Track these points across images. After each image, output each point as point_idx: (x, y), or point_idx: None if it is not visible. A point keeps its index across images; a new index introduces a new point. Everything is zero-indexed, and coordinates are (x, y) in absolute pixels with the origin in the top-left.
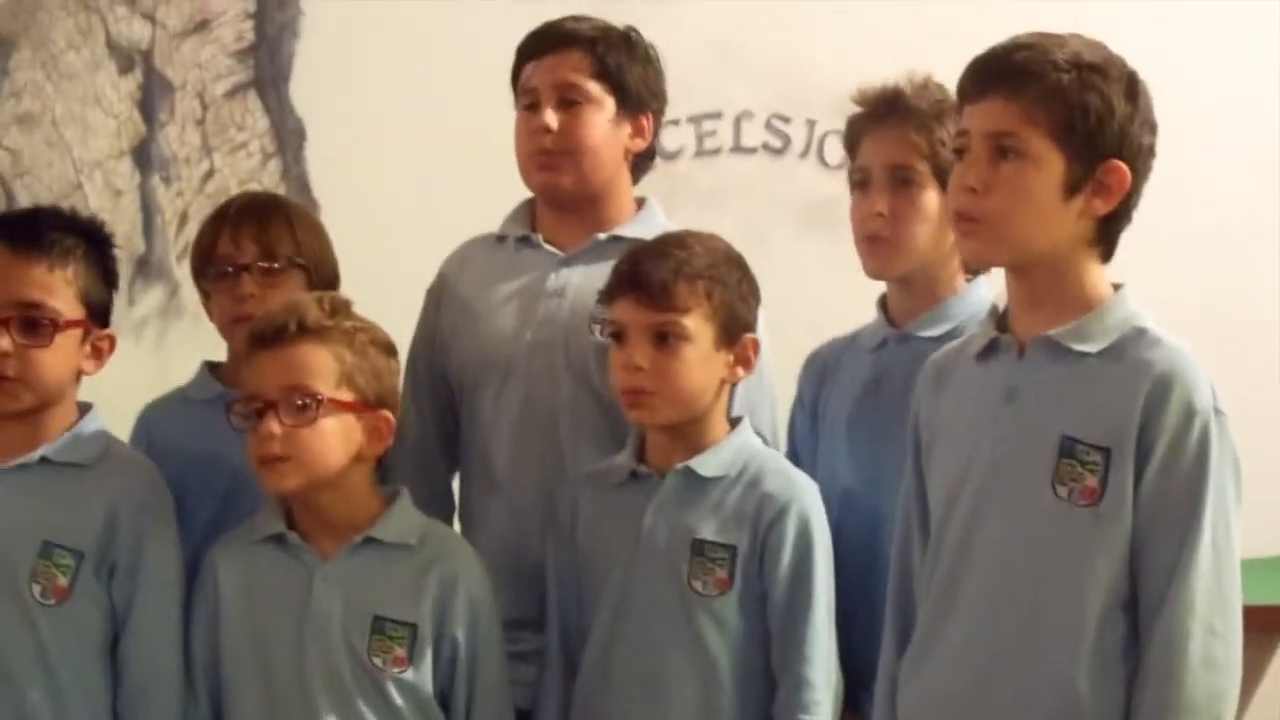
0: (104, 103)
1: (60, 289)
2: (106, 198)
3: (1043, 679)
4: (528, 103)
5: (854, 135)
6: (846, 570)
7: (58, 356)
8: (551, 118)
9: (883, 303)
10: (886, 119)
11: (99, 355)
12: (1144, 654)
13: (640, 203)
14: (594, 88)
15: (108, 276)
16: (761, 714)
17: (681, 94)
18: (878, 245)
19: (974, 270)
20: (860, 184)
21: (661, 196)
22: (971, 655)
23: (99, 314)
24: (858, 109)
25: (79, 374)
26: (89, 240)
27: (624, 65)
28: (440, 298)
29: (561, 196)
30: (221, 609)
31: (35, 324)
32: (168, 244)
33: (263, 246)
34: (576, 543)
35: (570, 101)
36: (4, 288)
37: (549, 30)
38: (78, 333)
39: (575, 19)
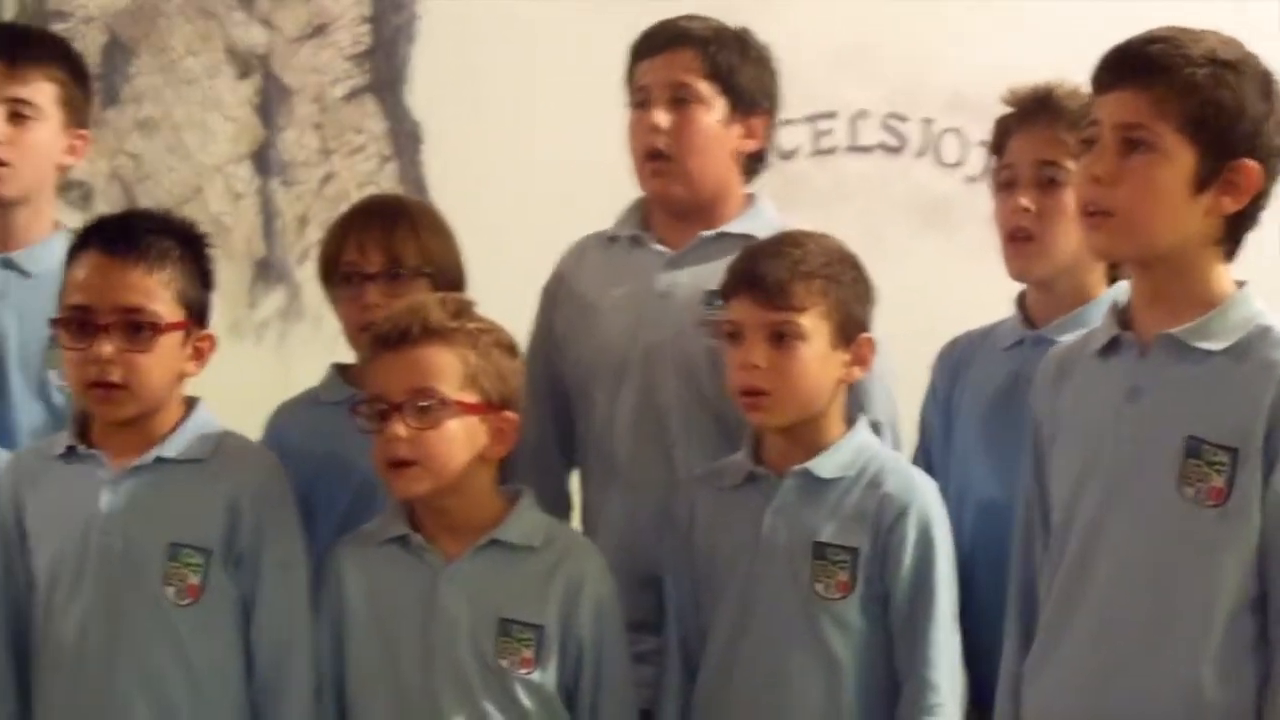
0: (223, 107)
1: (159, 292)
2: (226, 202)
3: (1168, 680)
4: (639, 101)
5: (1001, 134)
6: (977, 571)
7: (160, 360)
8: (662, 116)
9: (1021, 301)
10: (1035, 117)
11: (200, 356)
12: (1274, 655)
13: (749, 199)
14: (705, 87)
15: (205, 277)
16: (885, 716)
17: (798, 94)
18: (1023, 245)
19: (1114, 276)
20: (1006, 183)
21: (777, 196)
22: (1095, 656)
23: (198, 315)
24: (999, 110)
25: (182, 375)
26: (184, 241)
27: (736, 65)
28: (556, 296)
29: (674, 202)
30: (346, 610)
31: (137, 328)
32: (287, 247)
33: (389, 256)
34: (694, 544)
35: (681, 100)
36: (103, 294)
37: (662, 29)
38: (178, 335)
39: (689, 18)
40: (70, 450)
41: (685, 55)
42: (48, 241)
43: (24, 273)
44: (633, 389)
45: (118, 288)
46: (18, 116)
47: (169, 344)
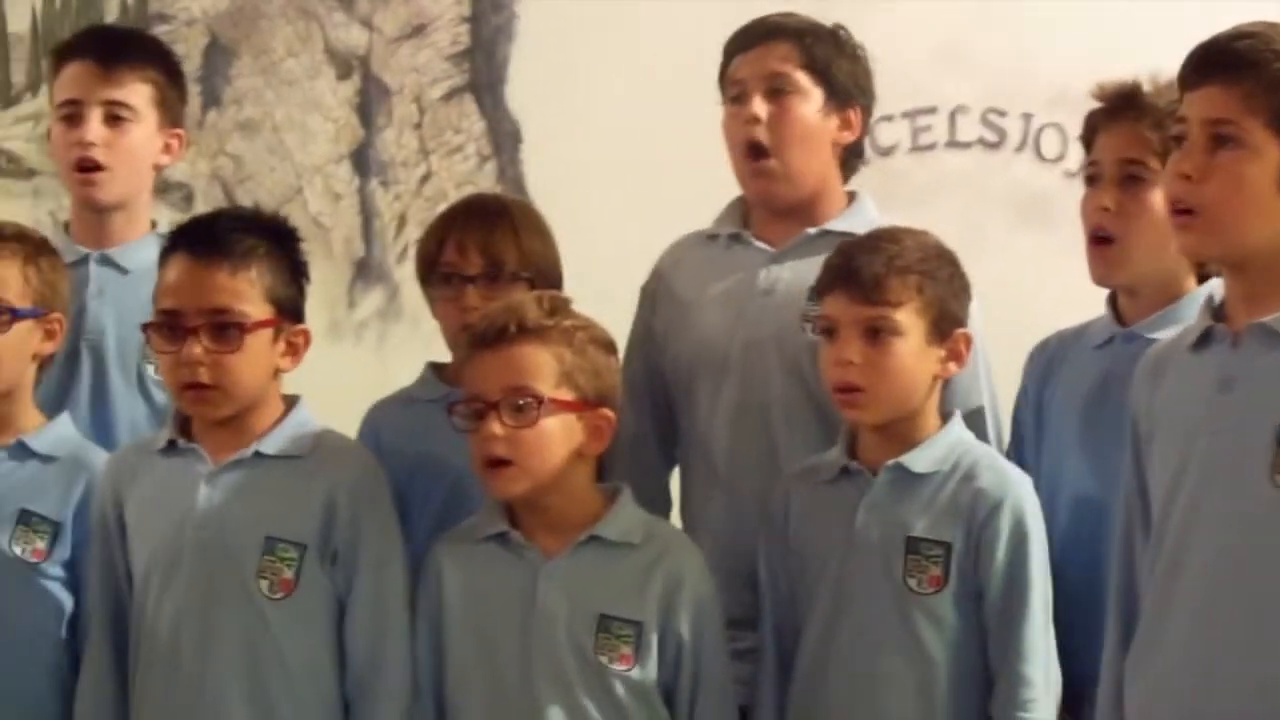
0: (323, 108)
1: (245, 291)
2: (326, 202)
3: (1271, 673)
4: (735, 94)
5: (1090, 130)
6: (1071, 570)
7: (251, 359)
8: (760, 107)
9: (1112, 300)
10: (1122, 114)
11: (295, 351)
12: None
13: (851, 197)
14: (801, 78)
15: (295, 272)
16: (979, 712)
17: (897, 89)
18: (1104, 250)
19: (1205, 274)
20: (1091, 179)
21: (876, 192)
22: (1195, 652)
23: (289, 311)
24: (1095, 104)
25: (277, 372)
26: (272, 238)
27: (831, 58)
28: (655, 295)
29: (776, 202)
30: (445, 607)
31: (224, 329)
32: (386, 247)
33: (488, 259)
34: (788, 540)
35: (778, 91)
36: (190, 296)
37: (757, 24)
38: (268, 333)
39: (783, 14)
40: (171, 445)
41: (782, 47)
42: (144, 239)
43: (121, 270)
44: (734, 386)
45: (203, 290)
46: (114, 119)
47: (258, 342)
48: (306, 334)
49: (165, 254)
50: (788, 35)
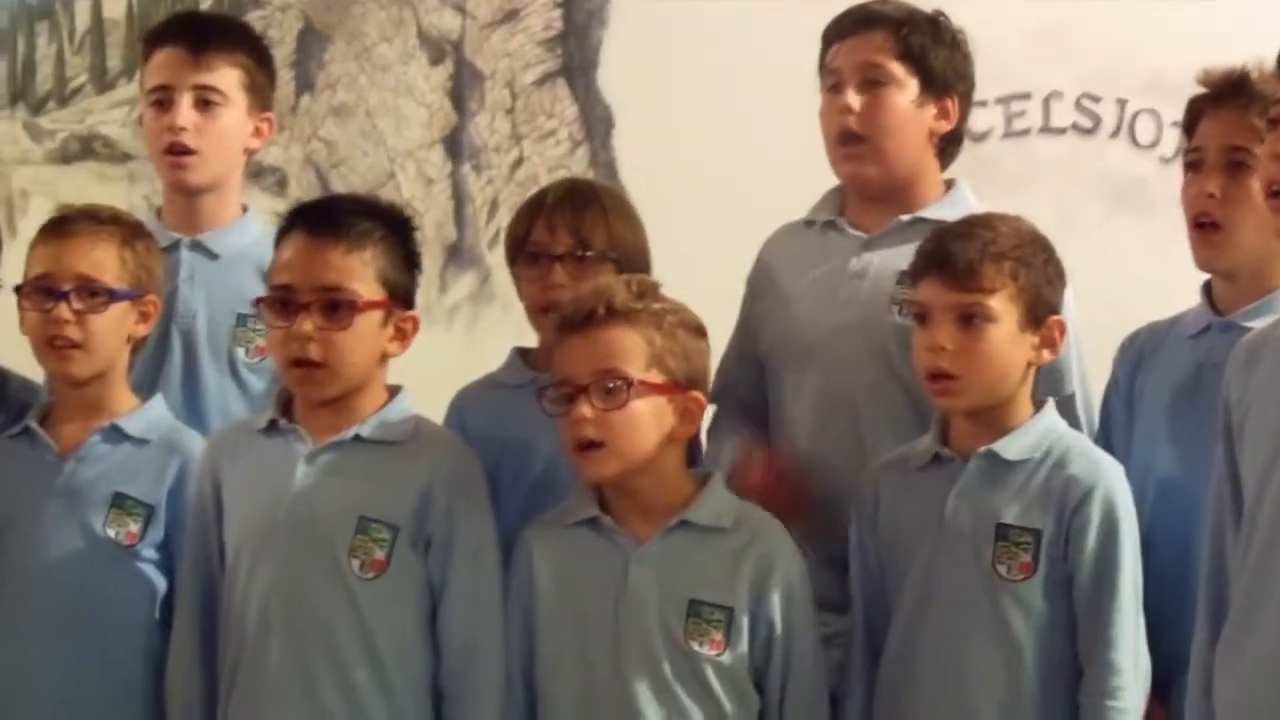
0: (416, 93)
1: (358, 271)
2: (419, 186)
3: None
4: (831, 83)
5: (1193, 116)
6: (1160, 559)
7: (359, 339)
8: (854, 98)
9: (1207, 289)
10: (1227, 100)
11: (403, 337)
12: None
13: (949, 185)
14: (897, 68)
15: (409, 259)
16: (1067, 699)
17: (990, 75)
18: (1209, 234)
19: None
20: (1193, 165)
21: (969, 178)
22: None
23: (401, 296)
24: (1192, 90)
25: (384, 356)
26: (388, 224)
27: (928, 47)
28: (756, 283)
29: (868, 186)
30: (536, 593)
31: (335, 307)
32: (478, 231)
33: (577, 238)
34: (879, 527)
35: (873, 81)
36: (304, 273)
37: (854, 11)
38: (378, 315)
39: (882, 1)
40: (272, 425)
41: (877, 36)
42: (235, 224)
43: (211, 254)
44: (821, 370)
45: (318, 267)
46: (205, 104)
47: (368, 323)
48: (415, 320)
49: (282, 232)
50: (884, 24)
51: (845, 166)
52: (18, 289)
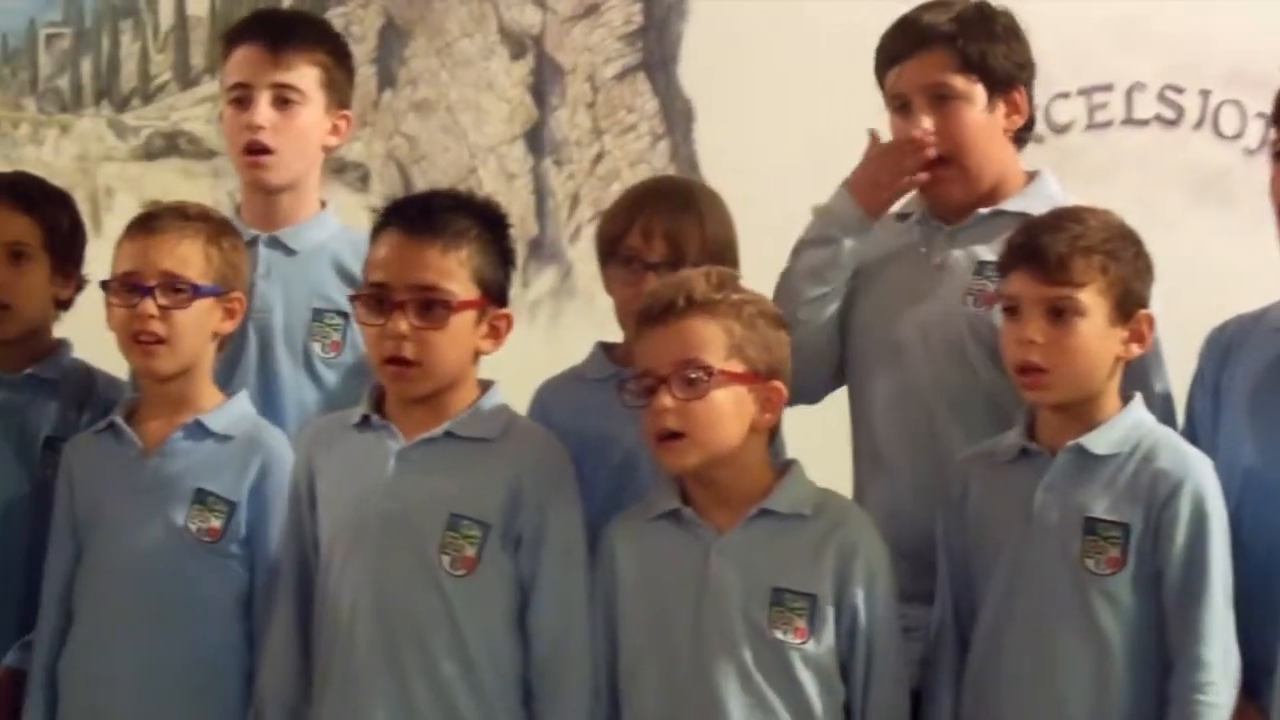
0: (497, 88)
1: (455, 271)
2: (500, 182)
3: None
4: (898, 106)
5: None
6: (1249, 552)
7: (454, 338)
8: (927, 121)
9: None
10: None
11: (497, 335)
12: None
13: (1032, 176)
14: (960, 82)
15: (503, 256)
16: (1155, 694)
17: (1073, 66)
18: None
19: None
20: None
21: (1051, 170)
22: None
23: (495, 294)
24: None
25: (477, 353)
26: (483, 221)
27: (986, 50)
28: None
29: (955, 205)
30: (619, 586)
31: (431, 306)
32: (560, 226)
33: (672, 246)
34: (966, 520)
35: (940, 98)
36: (400, 272)
37: (907, 31)
38: (473, 314)
39: (931, 9)
40: (365, 420)
41: (935, 56)
42: (312, 220)
43: (289, 251)
44: (898, 364)
45: (413, 266)
46: (283, 102)
47: (463, 322)
48: (509, 318)
49: (378, 229)
50: (938, 41)
51: (931, 190)
52: (104, 285)
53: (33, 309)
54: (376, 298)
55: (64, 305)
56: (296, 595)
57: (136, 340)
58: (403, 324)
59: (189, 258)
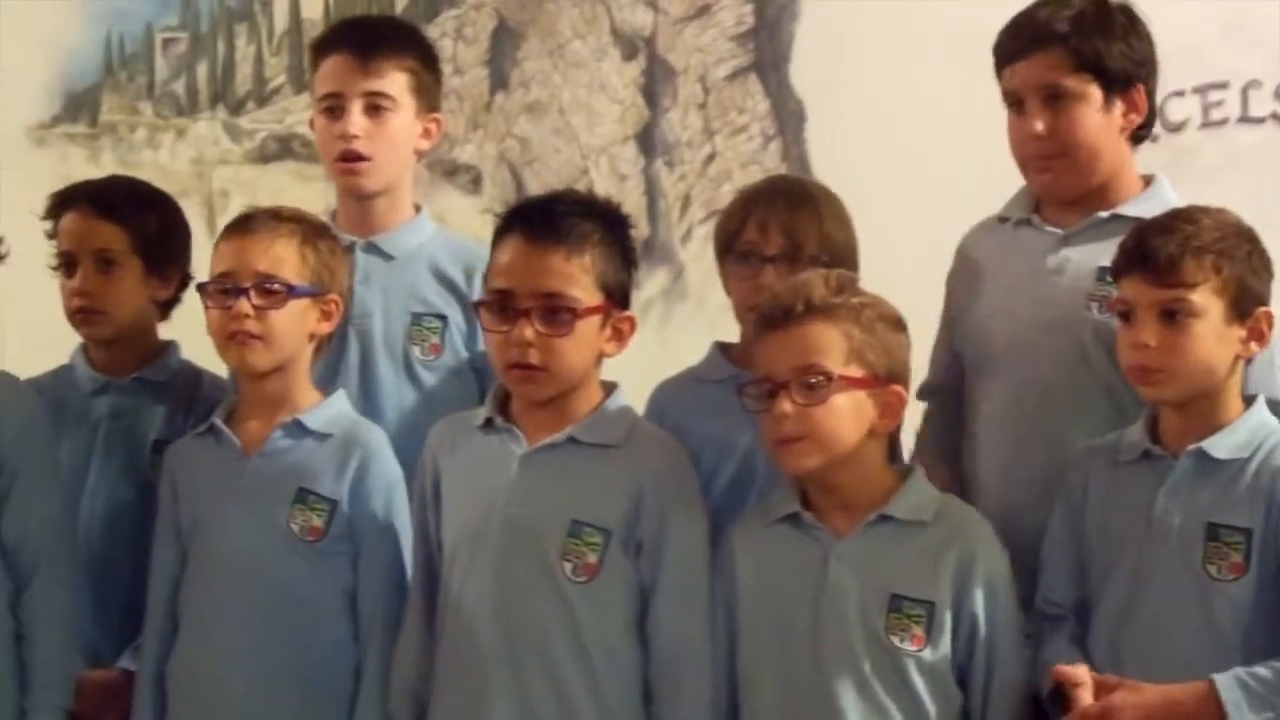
0: (609, 89)
1: (578, 277)
2: (611, 183)
3: None
4: (1012, 103)
5: None
6: None
7: (579, 343)
8: (1040, 123)
9: None
10: None
11: (620, 337)
12: None
13: (1148, 180)
14: (1075, 82)
15: (626, 258)
16: None
17: (1188, 64)
18: None
19: None
20: None
21: (1166, 169)
22: None
23: (618, 297)
24: None
25: (601, 356)
26: (605, 224)
27: (1102, 49)
28: (957, 280)
29: (1064, 194)
30: (738, 590)
31: (555, 313)
32: (671, 227)
33: (790, 239)
34: (1085, 517)
35: (1054, 98)
36: (524, 279)
37: (1022, 29)
38: (597, 318)
39: (1047, 6)
40: (489, 422)
41: (1051, 54)
42: (408, 225)
43: (386, 256)
44: (1018, 368)
45: (537, 273)
46: (374, 109)
47: (588, 327)
48: (632, 320)
49: (500, 234)
50: (1054, 40)
51: (1039, 178)
52: (200, 288)
53: (124, 313)
54: (500, 304)
55: (167, 305)
56: (424, 597)
57: (232, 339)
58: (528, 331)
59: (284, 257)
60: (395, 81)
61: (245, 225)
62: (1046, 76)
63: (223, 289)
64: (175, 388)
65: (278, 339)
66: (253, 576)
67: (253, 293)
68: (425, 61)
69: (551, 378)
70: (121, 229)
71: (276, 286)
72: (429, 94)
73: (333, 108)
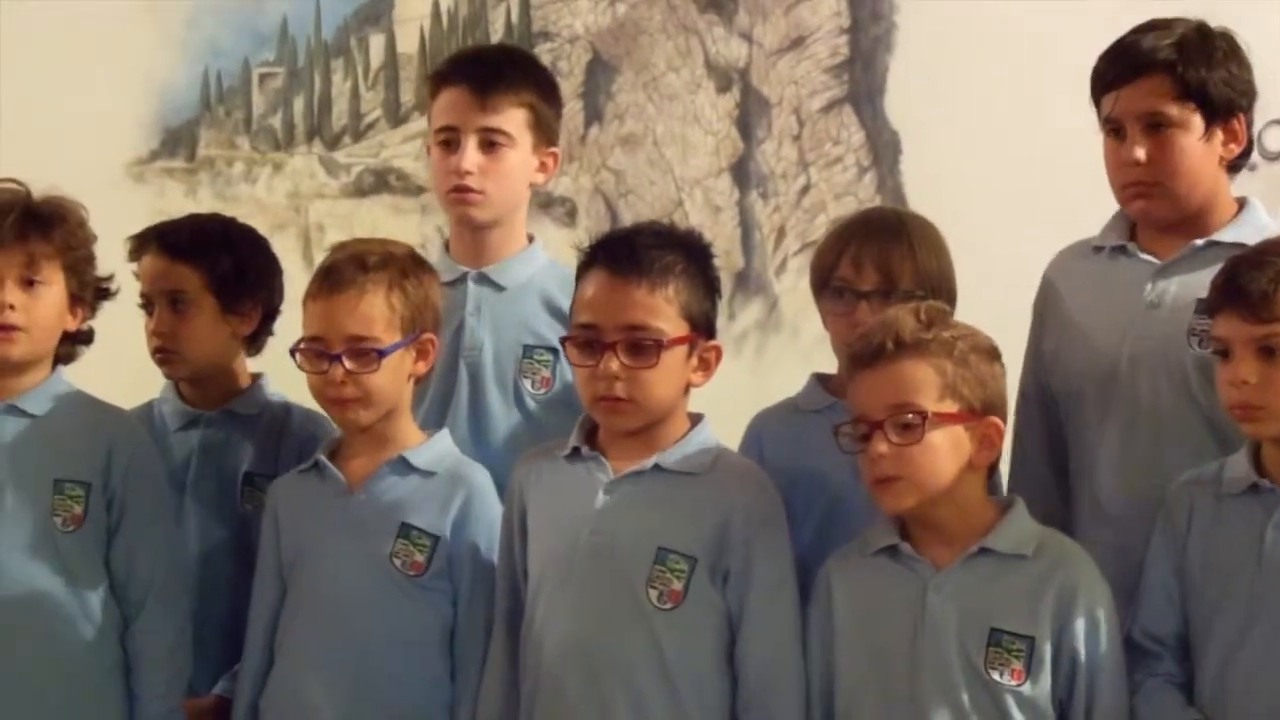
0: (703, 121)
1: (662, 309)
2: (706, 214)
3: None
4: (1112, 130)
5: None
6: None
7: (665, 374)
8: (1139, 150)
9: None
10: None
11: (707, 367)
12: None
13: (1241, 204)
14: (1177, 110)
15: (710, 287)
16: None
17: None
18: None
19: None
20: None
21: (1264, 199)
22: None
23: (703, 327)
24: None
25: (688, 386)
26: (688, 254)
27: (1205, 78)
28: (1044, 310)
29: (1158, 222)
30: (836, 622)
31: (641, 345)
32: (766, 259)
33: (884, 275)
34: (1188, 549)
35: (1155, 126)
36: (608, 313)
37: (1125, 55)
38: (683, 349)
39: (1151, 32)
40: (575, 451)
41: (1153, 81)
42: (520, 255)
43: (497, 287)
44: (1120, 401)
45: (622, 306)
46: (490, 145)
47: (673, 358)
48: (719, 350)
49: (583, 268)
50: (1158, 67)
51: (1134, 205)
52: (293, 351)
53: (200, 352)
54: (586, 339)
55: (252, 340)
56: (508, 625)
57: (332, 402)
58: (614, 364)
59: (372, 316)
60: (512, 118)
61: (331, 282)
62: (1149, 104)
63: (315, 354)
64: (264, 421)
65: (376, 397)
66: (352, 611)
67: (345, 359)
68: (544, 95)
69: (639, 409)
70: (193, 269)
71: (367, 349)
72: (547, 128)
73: (449, 140)
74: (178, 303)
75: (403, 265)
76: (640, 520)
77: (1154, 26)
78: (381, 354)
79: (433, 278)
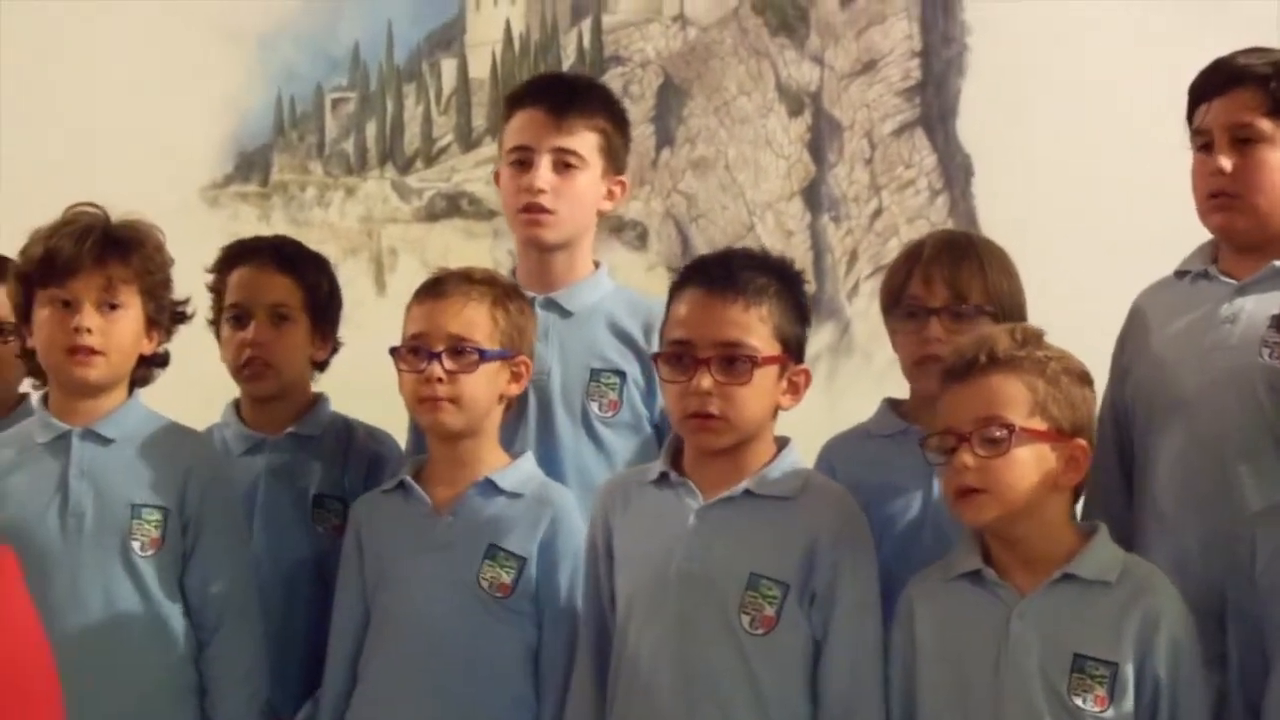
0: (774, 145)
1: (756, 327)
2: (778, 238)
3: None
4: (1201, 143)
5: None
6: None
7: (757, 393)
8: (1226, 161)
9: None
10: None
11: (795, 390)
12: None
13: None
14: (1268, 125)
15: (800, 313)
16: None
17: None
18: None
19: None
20: None
21: None
22: None
23: (794, 350)
24: None
25: (776, 409)
26: (781, 278)
27: None
28: (1126, 335)
29: (1239, 236)
30: (918, 647)
31: (734, 361)
32: (838, 282)
33: (954, 291)
34: (1255, 583)
35: (1244, 140)
36: (703, 329)
37: (1221, 69)
38: (775, 369)
39: (1247, 53)
40: (663, 477)
41: (1245, 94)
42: (586, 280)
43: (565, 312)
44: (1189, 417)
45: (717, 323)
46: (563, 166)
47: (765, 377)
48: (808, 374)
49: (676, 288)
50: (1252, 80)
51: (1214, 218)
52: (393, 351)
53: (292, 369)
54: (679, 355)
55: (320, 367)
56: (595, 652)
57: (424, 402)
58: (706, 380)
59: (475, 321)
60: (585, 140)
61: (438, 288)
62: (1239, 116)
63: (415, 351)
64: (328, 441)
65: (469, 402)
66: (439, 632)
67: (445, 357)
68: (616, 124)
69: (730, 427)
70: (297, 285)
71: (468, 350)
72: (617, 156)
73: (522, 160)
74: (279, 317)
75: (506, 288)
76: (732, 546)
77: (1251, 50)
78: (483, 355)
79: (530, 308)
